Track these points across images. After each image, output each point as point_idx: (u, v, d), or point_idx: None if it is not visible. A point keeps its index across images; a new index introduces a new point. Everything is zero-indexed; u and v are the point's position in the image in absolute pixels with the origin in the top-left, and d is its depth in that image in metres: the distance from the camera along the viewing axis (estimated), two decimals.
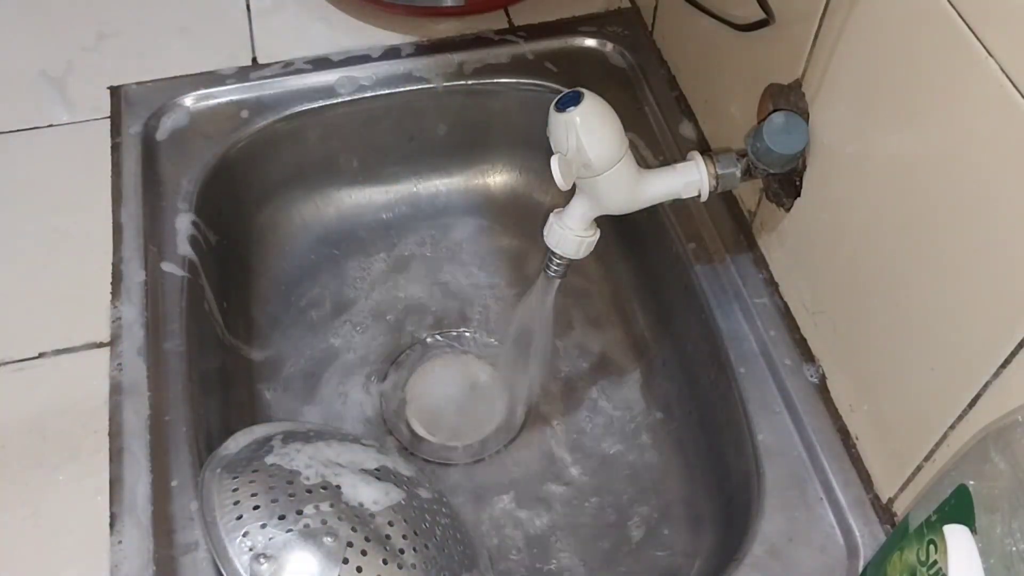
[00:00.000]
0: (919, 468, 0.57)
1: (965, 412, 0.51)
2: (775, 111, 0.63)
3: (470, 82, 0.89)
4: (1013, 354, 0.47)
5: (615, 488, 0.80)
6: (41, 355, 0.68)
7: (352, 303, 0.91)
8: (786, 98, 0.65)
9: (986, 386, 0.49)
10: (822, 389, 0.67)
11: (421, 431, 0.83)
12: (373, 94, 0.87)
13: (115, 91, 0.85)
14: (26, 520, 0.61)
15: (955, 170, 0.49)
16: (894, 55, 0.53)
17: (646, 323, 0.87)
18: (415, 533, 0.59)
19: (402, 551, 0.57)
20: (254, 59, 0.88)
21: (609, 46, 0.92)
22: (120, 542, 0.60)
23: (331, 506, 0.57)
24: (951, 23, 0.47)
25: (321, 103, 0.86)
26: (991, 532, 0.43)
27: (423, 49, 0.90)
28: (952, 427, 0.53)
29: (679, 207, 0.78)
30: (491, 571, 0.70)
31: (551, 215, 0.66)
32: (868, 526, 0.62)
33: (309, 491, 0.58)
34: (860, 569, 0.60)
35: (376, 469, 0.63)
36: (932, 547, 0.46)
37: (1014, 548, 0.42)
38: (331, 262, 0.92)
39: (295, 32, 0.91)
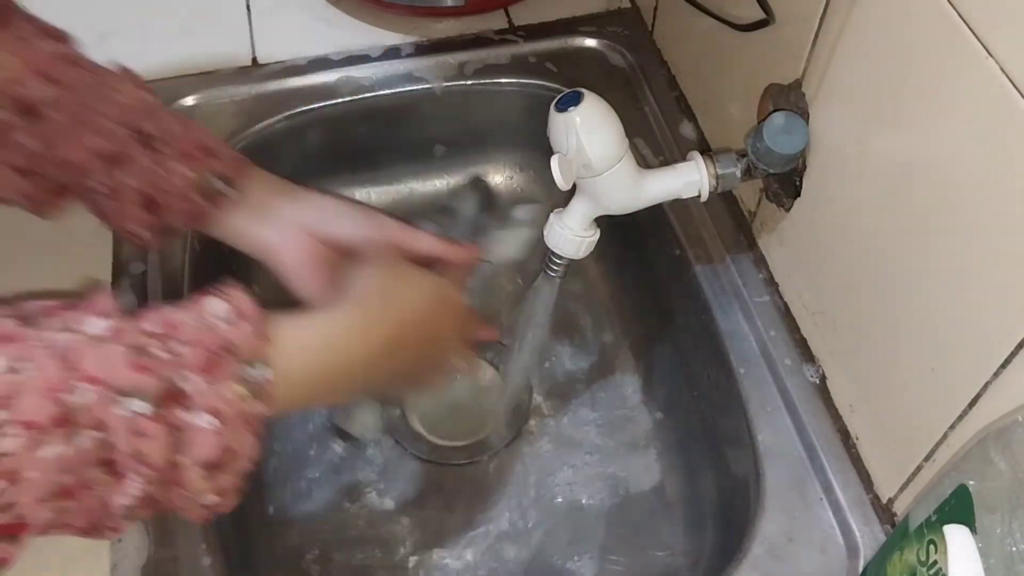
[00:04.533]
0: (919, 468, 0.57)
1: (965, 412, 0.51)
2: (775, 111, 0.63)
3: (470, 82, 0.89)
4: (1013, 354, 0.47)
5: (614, 488, 0.80)
6: None
7: None
8: (786, 98, 0.65)
9: (986, 386, 0.49)
10: (822, 389, 0.67)
11: (421, 431, 0.83)
12: (373, 94, 0.87)
13: None
14: None
15: (955, 170, 0.49)
16: (894, 55, 0.53)
17: (646, 323, 0.87)
18: None
19: None
20: (254, 59, 0.88)
21: (609, 46, 0.92)
22: (120, 541, 0.60)
23: None
24: (951, 23, 0.47)
25: (321, 103, 0.86)
26: (991, 532, 0.43)
27: (423, 49, 0.90)
28: (952, 427, 0.53)
29: (679, 207, 0.78)
30: None
31: (551, 215, 0.66)
32: (868, 526, 0.62)
33: None
34: (860, 569, 0.60)
35: None
36: (932, 547, 0.46)
37: (1014, 548, 0.42)
38: None
39: (295, 32, 0.91)
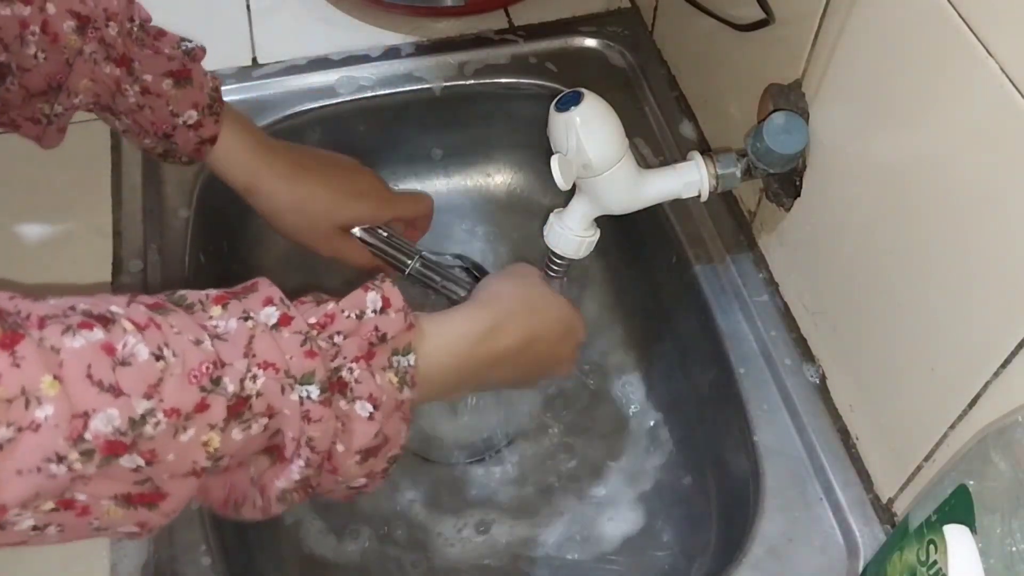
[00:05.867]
0: (919, 468, 0.57)
1: (965, 412, 0.51)
2: (775, 111, 0.63)
3: (470, 82, 0.89)
4: (1013, 354, 0.47)
5: (614, 488, 0.80)
6: None
7: None
8: (786, 98, 0.65)
9: (986, 386, 0.49)
10: (822, 389, 0.67)
11: (421, 429, 0.83)
12: (373, 94, 0.87)
13: None
14: None
15: (955, 170, 0.49)
16: (894, 55, 0.53)
17: (646, 323, 0.87)
18: None
19: None
20: (254, 59, 0.88)
21: (609, 46, 0.92)
22: (120, 541, 0.60)
23: None
24: (951, 23, 0.47)
25: (321, 103, 0.86)
26: (991, 532, 0.43)
27: (423, 49, 0.90)
28: (952, 427, 0.53)
29: (679, 207, 0.78)
30: None
31: (551, 215, 0.66)
32: (868, 526, 0.62)
33: None
34: (860, 569, 0.60)
35: None
36: (932, 547, 0.46)
37: (1014, 548, 0.42)
38: (332, 262, 0.92)
39: (295, 32, 0.91)
